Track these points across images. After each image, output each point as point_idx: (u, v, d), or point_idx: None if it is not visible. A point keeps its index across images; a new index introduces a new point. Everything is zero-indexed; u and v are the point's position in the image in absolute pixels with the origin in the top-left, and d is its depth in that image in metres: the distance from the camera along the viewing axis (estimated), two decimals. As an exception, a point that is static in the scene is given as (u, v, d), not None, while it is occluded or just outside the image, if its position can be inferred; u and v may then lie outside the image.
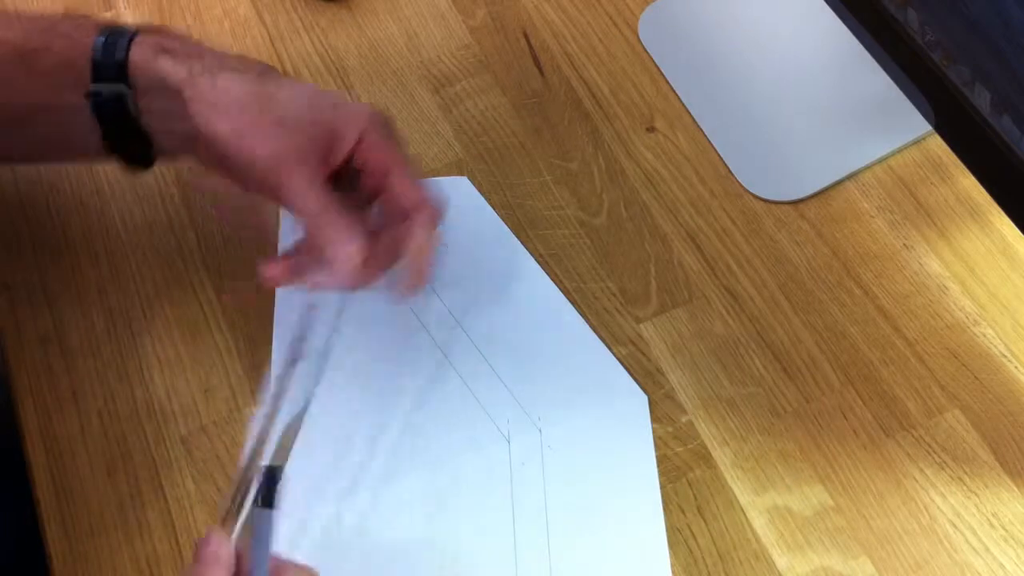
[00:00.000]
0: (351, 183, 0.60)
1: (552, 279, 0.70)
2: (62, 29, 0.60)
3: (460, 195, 0.74)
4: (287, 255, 0.59)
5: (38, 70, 0.60)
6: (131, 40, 0.59)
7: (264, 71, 0.60)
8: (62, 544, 0.63)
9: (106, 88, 0.59)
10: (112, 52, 0.59)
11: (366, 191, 0.60)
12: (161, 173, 0.76)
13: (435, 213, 0.60)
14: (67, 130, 0.62)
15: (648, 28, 0.81)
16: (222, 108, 0.57)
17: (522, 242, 0.72)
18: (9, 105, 0.60)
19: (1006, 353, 0.65)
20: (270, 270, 0.59)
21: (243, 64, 0.59)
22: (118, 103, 0.59)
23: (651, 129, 0.76)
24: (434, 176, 0.75)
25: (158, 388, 0.68)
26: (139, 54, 0.59)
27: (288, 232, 0.71)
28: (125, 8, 0.85)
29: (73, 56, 0.59)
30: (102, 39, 0.59)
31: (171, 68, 0.58)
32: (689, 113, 0.77)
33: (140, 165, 0.63)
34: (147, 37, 0.59)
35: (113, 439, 0.66)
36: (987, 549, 0.60)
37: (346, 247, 0.57)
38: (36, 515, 0.64)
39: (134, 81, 0.59)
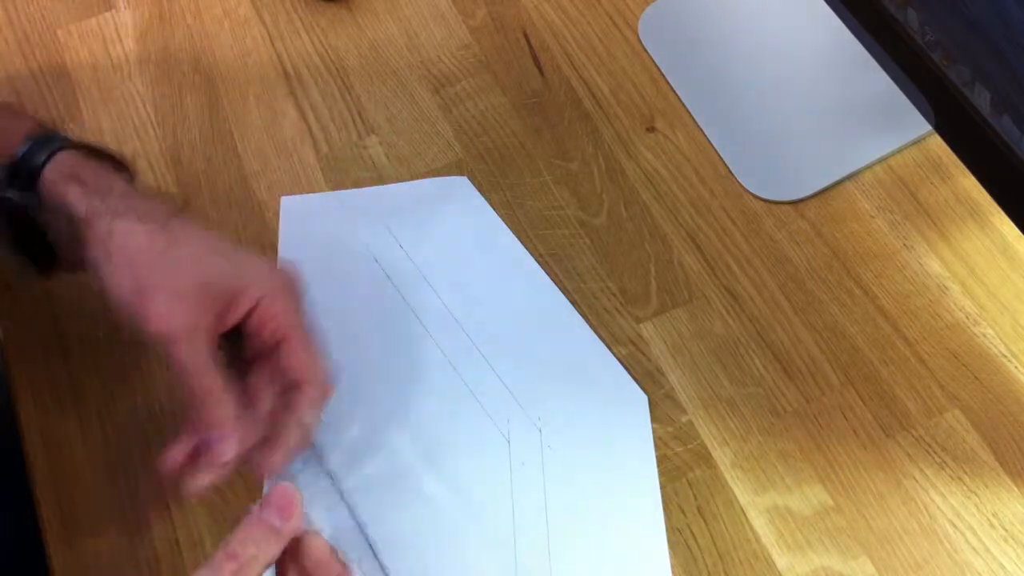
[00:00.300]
0: (240, 335, 0.59)
1: (552, 279, 0.70)
2: None
3: (460, 195, 0.74)
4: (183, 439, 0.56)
5: None
6: (52, 154, 0.58)
7: (171, 217, 0.58)
8: (62, 544, 0.63)
9: (16, 195, 0.59)
10: (30, 161, 0.58)
11: (254, 349, 0.58)
12: (161, 173, 0.76)
13: (326, 389, 0.58)
14: None
15: (648, 28, 0.81)
16: (116, 263, 0.56)
17: (522, 242, 0.72)
18: None
19: (1006, 353, 0.65)
20: (168, 463, 0.56)
21: (152, 208, 0.58)
22: (26, 211, 0.59)
23: (651, 129, 0.76)
24: (434, 176, 0.75)
25: (158, 388, 0.68)
26: (52, 172, 0.58)
27: (287, 222, 0.71)
28: (125, 8, 0.85)
29: None
30: (26, 146, 0.58)
31: (75, 199, 0.57)
32: (689, 113, 0.77)
33: (44, 270, 0.63)
34: (68, 156, 0.59)
35: (113, 439, 0.66)
36: (987, 549, 0.60)
37: (217, 411, 0.55)
38: (36, 515, 0.64)
39: (45, 197, 0.58)
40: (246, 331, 0.58)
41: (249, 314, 0.58)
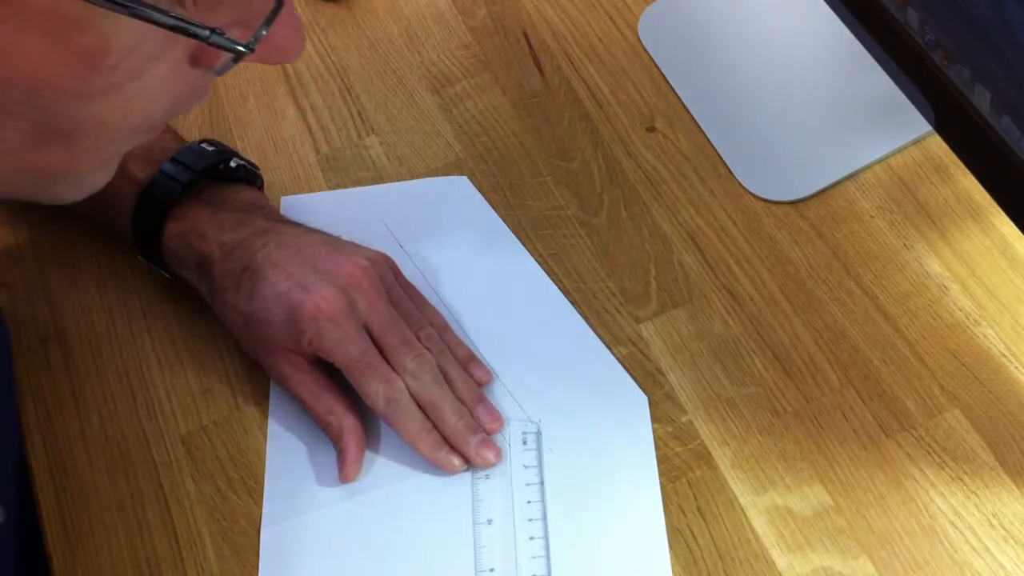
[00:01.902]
0: None
1: (552, 279, 0.70)
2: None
3: (460, 195, 0.74)
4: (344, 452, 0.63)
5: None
6: (177, 197, 0.66)
7: (245, 276, 0.64)
8: (62, 544, 0.63)
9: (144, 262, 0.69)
10: (164, 195, 0.66)
11: None
12: (161, 173, 0.76)
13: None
14: (112, 214, 0.68)
15: (648, 28, 0.81)
16: (227, 322, 0.66)
17: (522, 242, 0.72)
18: None
19: (1006, 353, 0.65)
20: (347, 474, 0.63)
21: (231, 279, 0.64)
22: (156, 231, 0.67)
23: (651, 129, 0.76)
24: (434, 176, 0.75)
25: (158, 388, 0.68)
26: (170, 241, 0.66)
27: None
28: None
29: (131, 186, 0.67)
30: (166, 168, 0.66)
31: (201, 248, 0.65)
32: (689, 113, 0.77)
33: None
34: (183, 214, 0.66)
35: (113, 439, 0.66)
36: (987, 549, 0.60)
37: (343, 419, 0.63)
38: (36, 515, 0.64)
39: (167, 239, 0.66)
40: None
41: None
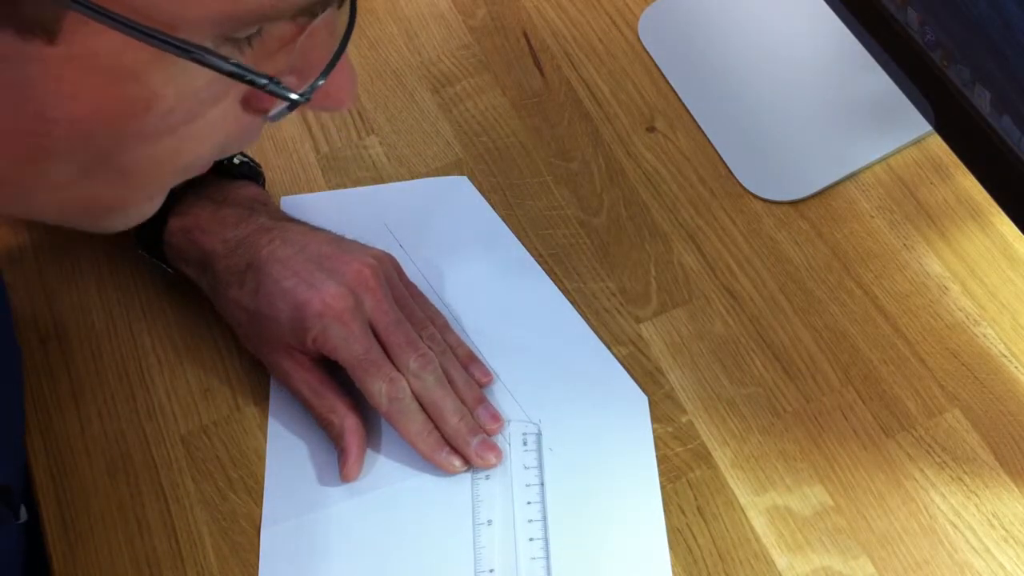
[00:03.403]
0: None
1: (552, 279, 0.70)
2: None
3: (460, 195, 0.74)
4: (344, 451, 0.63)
5: None
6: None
7: (249, 272, 0.64)
8: (62, 544, 0.63)
9: (146, 255, 0.69)
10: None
11: None
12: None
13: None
14: None
15: (648, 28, 0.81)
16: (230, 319, 0.66)
17: (522, 242, 0.72)
18: None
19: (1006, 353, 0.65)
20: (348, 473, 0.63)
21: (235, 275, 0.64)
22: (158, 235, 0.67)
23: (651, 129, 0.76)
24: (434, 176, 0.75)
25: (158, 388, 0.68)
26: (173, 237, 0.66)
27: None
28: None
29: None
30: None
31: (203, 244, 0.65)
32: (689, 113, 0.77)
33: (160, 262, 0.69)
34: (185, 211, 0.66)
35: (113, 439, 0.66)
36: (987, 549, 0.60)
37: (345, 419, 0.63)
38: (36, 515, 0.64)
39: (172, 259, 0.67)
40: None
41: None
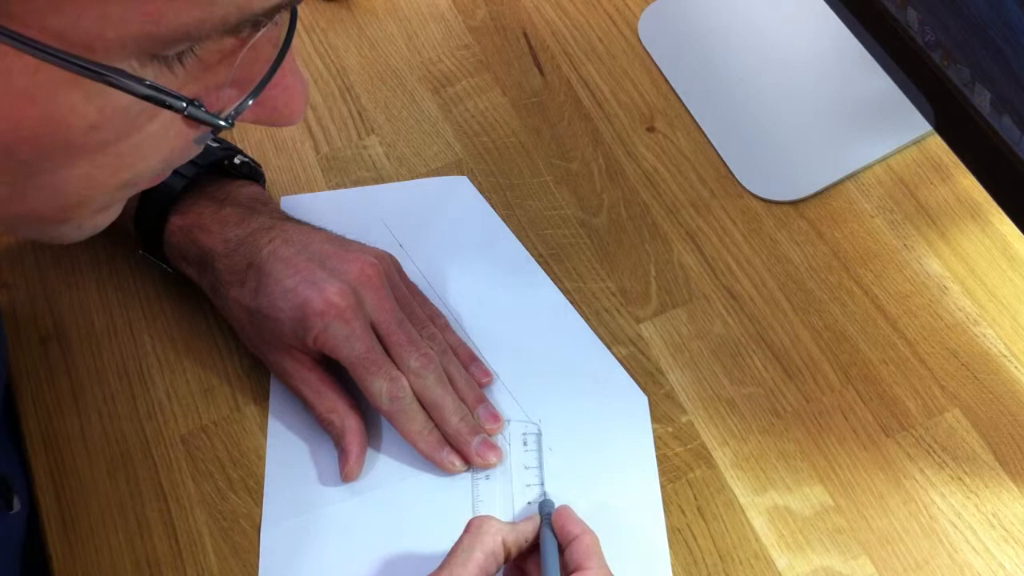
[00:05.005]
0: None
1: (552, 279, 0.70)
2: None
3: (460, 195, 0.74)
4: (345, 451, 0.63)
5: None
6: (181, 190, 0.66)
7: (250, 272, 0.64)
8: (62, 544, 0.63)
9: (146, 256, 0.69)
10: (167, 198, 0.66)
11: None
12: (161, 173, 0.76)
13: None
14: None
15: (648, 28, 0.81)
16: (231, 318, 0.66)
17: (522, 242, 0.72)
18: None
19: (1006, 353, 0.65)
20: (349, 473, 0.63)
21: (236, 274, 0.64)
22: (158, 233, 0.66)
23: (651, 129, 0.76)
24: (434, 176, 0.75)
25: (158, 388, 0.68)
26: (176, 222, 0.66)
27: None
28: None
29: None
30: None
31: (204, 243, 0.65)
32: (689, 113, 0.77)
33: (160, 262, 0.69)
34: (185, 210, 0.66)
35: (113, 439, 0.66)
36: (987, 549, 0.60)
37: (347, 420, 0.63)
38: (36, 515, 0.64)
39: (172, 258, 0.67)
40: None
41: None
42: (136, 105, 0.37)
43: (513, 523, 0.57)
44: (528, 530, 0.57)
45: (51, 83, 0.34)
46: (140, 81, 0.36)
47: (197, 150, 0.43)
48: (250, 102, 0.40)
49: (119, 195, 0.42)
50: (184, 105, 0.37)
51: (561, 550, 0.56)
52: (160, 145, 0.40)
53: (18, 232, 0.44)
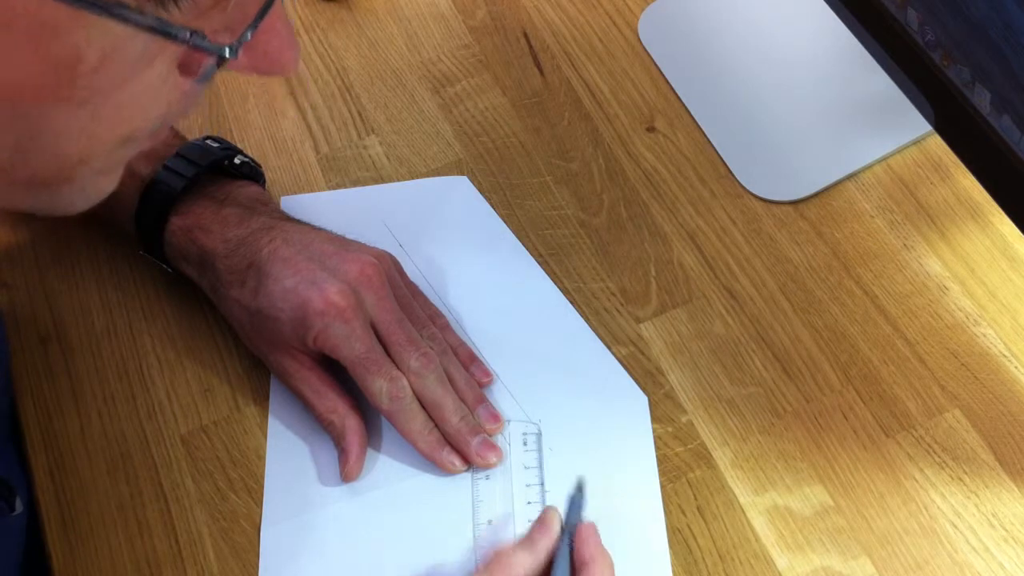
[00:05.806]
0: None
1: (552, 279, 0.70)
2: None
3: (460, 195, 0.74)
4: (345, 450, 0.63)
5: None
6: (181, 190, 0.66)
7: (250, 272, 0.64)
8: (62, 544, 0.63)
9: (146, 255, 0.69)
10: (166, 194, 0.66)
11: None
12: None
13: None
14: (114, 209, 0.67)
15: (648, 28, 0.81)
16: (231, 318, 0.66)
17: (522, 242, 0.72)
18: None
19: (1006, 353, 0.65)
20: (349, 473, 0.63)
21: (236, 274, 0.64)
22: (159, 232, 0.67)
23: (651, 129, 0.76)
24: (434, 176, 0.75)
25: (158, 388, 0.68)
26: (173, 236, 0.66)
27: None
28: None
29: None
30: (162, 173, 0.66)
31: (204, 243, 0.65)
32: (689, 113, 0.77)
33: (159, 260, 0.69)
34: (185, 211, 0.66)
35: (113, 439, 0.66)
36: (987, 549, 0.60)
37: (348, 419, 0.63)
38: (36, 515, 0.64)
39: (171, 258, 0.67)
40: None
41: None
42: (137, 45, 0.37)
43: (532, 543, 0.56)
44: (547, 549, 0.56)
45: (55, 19, 0.35)
46: (143, 13, 0.36)
47: (193, 105, 0.43)
48: (250, 33, 0.40)
49: (118, 155, 0.43)
50: (188, 35, 0.37)
51: (574, 569, 0.56)
52: (158, 97, 0.40)
53: (23, 205, 0.43)
